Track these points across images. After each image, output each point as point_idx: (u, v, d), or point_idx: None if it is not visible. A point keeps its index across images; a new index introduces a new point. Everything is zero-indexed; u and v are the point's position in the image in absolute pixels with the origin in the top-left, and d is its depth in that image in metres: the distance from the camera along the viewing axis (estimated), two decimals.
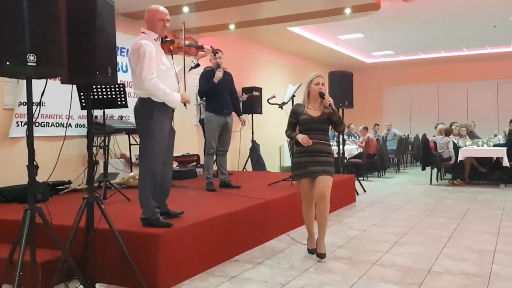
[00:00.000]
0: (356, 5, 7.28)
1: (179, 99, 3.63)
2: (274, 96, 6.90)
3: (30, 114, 2.70)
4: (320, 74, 4.07)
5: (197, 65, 3.99)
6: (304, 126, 4.00)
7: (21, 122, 5.69)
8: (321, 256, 3.98)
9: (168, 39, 3.75)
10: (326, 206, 3.91)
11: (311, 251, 4.14)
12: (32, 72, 2.63)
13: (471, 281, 3.42)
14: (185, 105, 3.74)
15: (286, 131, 4.13)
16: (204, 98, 5.88)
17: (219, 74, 5.44)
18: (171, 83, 3.65)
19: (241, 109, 6.19)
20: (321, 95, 3.97)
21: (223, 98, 5.58)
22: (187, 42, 3.88)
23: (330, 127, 4.16)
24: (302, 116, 4.02)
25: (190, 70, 3.96)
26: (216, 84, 5.44)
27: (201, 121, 7.10)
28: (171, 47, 3.76)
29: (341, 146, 8.09)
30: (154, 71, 3.47)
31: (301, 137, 3.92)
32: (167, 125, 3.64)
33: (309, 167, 3.95)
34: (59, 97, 5.78)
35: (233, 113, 5.78)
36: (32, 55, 2.55)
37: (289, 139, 4.30)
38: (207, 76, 5.59)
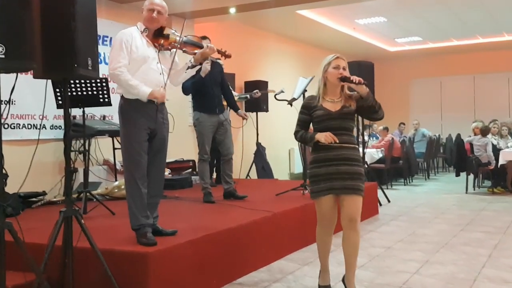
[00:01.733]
0: None
1: (146, 94, 3.62)
2: (282, 91, 6.91)
3: None
4: (340, 55, 3.61)
5: (194, 66, 4.00)
6: (320, 125, 3.53)
7: None
8: None
9: (162, 33, 3.85)
10: (358, 235, 3.53)
11: None
12: (0, 66, 2.64)
13: None
14: (161, 102, 3.75)
15: (296, 133, 3.65)
16: (190, 96, 5.82)
17: (206, 67, 5.34)
18: (149, 77, 3.71)
19: (235, 103, 6.15)
20: (343, 79, 3.49)
21: (213, 94, 5.54)
22: (184, 38, 3.95)
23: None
24: (317, 111, 3.55)
25: (187, 70, 4.00)
26: (204, 78, 5.37)
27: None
28: (162, 41, 3.84)
29: (360, 149, 8.08)
30: (122, 61, 3.61)
31: (323, 136, 3.45)
32: (143, 124, 3.68)
33: (333, 180, 3.48)
34: (31, 94, 5.83)
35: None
36: (1, 46, 2.56)
37: (300, 143, 3.95)
38: None
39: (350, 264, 3.53)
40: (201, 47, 4.02)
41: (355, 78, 3.44)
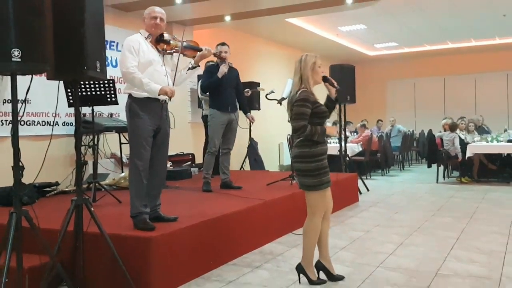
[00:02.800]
0: None
1: (157, 90, 3.63)
2: (272, 91, 6.88)
3: (15, 112, 2.70)
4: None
5: (194, 67, 4.04)
6: (322, 120, 3.45)
7: (6, 121, 5.68)
8: (342, 277, 3.60)
9: (164, 39, 3.87)
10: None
11: (320, 281, 3.51)
12: (17, 68, 2.62)
13: (480, 284, 3.44)
14: (170, 98, 3.78)
15: (304, 126, 3.33)
16: (207, 93, 5.86)
17: (223, 69, 5.43)
18: (155, 78, 3.71)
19: (248, 107, 6.22)
20: (326, 79, 3.49)
21: (228, 94, 5.58)
22: (184, 43, 3.97)
23: None
24: (320, 106, 3.44)
25: (187, 71, 4.02)
26: (221, 79, 5.43)
27: (204, 118, 7.07)
28: (165, 46, 3.87)
29: (343, 143, 8.09)
30: (133, 63, 3.62)
31: (334, 129, 3.46)
32: (149, 120, 3.69)
33: (327, 173, 3.47)
34: (45, 94, 5.78)
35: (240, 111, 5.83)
36: (17, 50, 2.55)
37: (305, 136, 3.36)
38: (210, 71, 5.62)
39: (328, 246, 3.59)
40: (200, 50, 4.05)
41: (334, 81, 3.49)
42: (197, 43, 4.23)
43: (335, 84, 3.48)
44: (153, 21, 3.80)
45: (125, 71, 3.63)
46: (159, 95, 3.65)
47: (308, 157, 3.40)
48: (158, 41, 3.86)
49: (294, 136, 3.51)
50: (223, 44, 5.54)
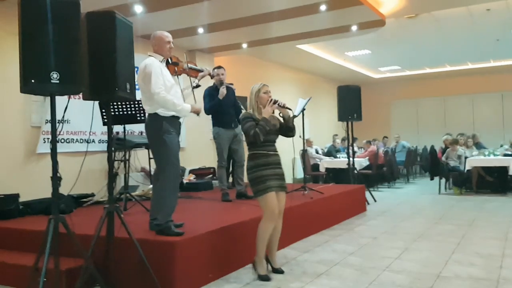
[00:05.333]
0: (362, 22, 7.30)
1: (189, 109, 3.72)
2: (290, 109, 6.87)
3: (54, 127, 2.75)
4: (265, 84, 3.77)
5: (198, 86, 4.14)
6: (267, 137, 3.63)
7: (47, 138, 5.78)
8: (282, 271, 3.78)
9: (174, 61, 3.97)
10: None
11: (265, 277, 3.60)
12: (55, 89, 2.68)
13: (479, 285, 3.34)
14: (198, 114, 3.85)
15: (254, 134, 3.53)
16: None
17: (223, 91, 5.41)
18: (176, 99, 3.71)
19: None
20: (274, 102, 3.64)
21: (229, 112, 5.58)
22: (189, 65, 4.10)
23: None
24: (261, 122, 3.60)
25: (192, 89, 4.10)
26: (221, 100, 5.43)
27: None
28: (176, 68, 3.95)
29: (351, 158, 8.02)
30: (162, 86, 3.56)
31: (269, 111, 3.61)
32: (177, 136, 3.70)
33: (272, 180, 3.58)
34: (82, 115, 5.90)
35: None
36: (56, 73, 2.61)
37: (256, 137, 3.54)
38: (211, 94, 5.57)
39: (276, 244, 3.76)
40: (201, 71, 4.14)
41: (281, 102, 3.65)
42: (195, 64, 4.33)
43: (286, 105, 3.70)
44: (168, 45, 3.77)
45: (157, 92, 3.50)
46: (191, 112, 3.72)
47: (252, 168, 3.61)
48: (170, 64, 3.89)
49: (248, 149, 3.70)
50: (219, 67, 5.56)
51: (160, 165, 3.68)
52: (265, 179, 3.56)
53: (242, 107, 5.70)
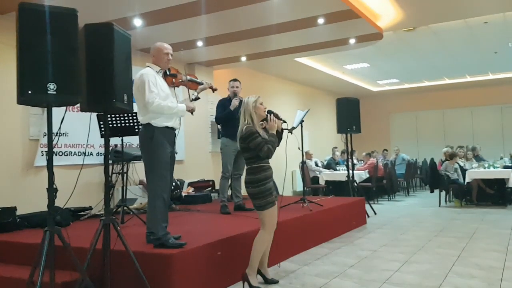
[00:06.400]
0: (360, 35, 7.33)
1: (184, 108, 3.77)
2: (284, 122, 6.88)
3: (50, 138, 2.74)
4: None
5: (197, 98, 4.14)
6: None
7: (45, 151, 5.75)
8: (277, 280, 3.83)
9: (172, 73, 3.95)
10: None
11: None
12: (52, 100, 2.68)
13: None
14: (192, 113, 3.90)
15: (267, 150, 3.58)
16: (220, 125, 5.90)
17: (235, 102, 5.52)
18: (170, 102, 3.72)
19: None
20: (270, 112, 3.71)
21: (238, 125, 5.59)
22: (188, 77, 4.09)
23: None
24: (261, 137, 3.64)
25: (191, 101, 4.08)
26: (233, 112, 5.47)
27: None
28: (173, 80, 3.94)
29: (350, 171, 7.99)
30: (156, 95, 3.58)
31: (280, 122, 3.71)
32: (168, 148, 3.68)
33: (272, 194, 3.64)
34: (81, 128, 5.89)
35: None
36: (53, 84, 2.61)
37: (267, 153, 3.61)
38: (223, 104, 5.69)
39: (267, 256, 3.80)
40: (201, 83, 4.15)
41: (275, 114, 3.71)
42: (196, 76, 4.32)
43: (280, 116, 3.75)
44: (166, 57, 3.80)
45: (151, 101, 3.52)
46: (187, 111, 3.79)
47: (261, 180, 3.59)
48: (168, 75, 3.89)
49: (247, 164, 3.69)
50: (235, 80, 5.68)
51: (148, 176, 3.67)
52: (271, 192, 3.61)
53: None
